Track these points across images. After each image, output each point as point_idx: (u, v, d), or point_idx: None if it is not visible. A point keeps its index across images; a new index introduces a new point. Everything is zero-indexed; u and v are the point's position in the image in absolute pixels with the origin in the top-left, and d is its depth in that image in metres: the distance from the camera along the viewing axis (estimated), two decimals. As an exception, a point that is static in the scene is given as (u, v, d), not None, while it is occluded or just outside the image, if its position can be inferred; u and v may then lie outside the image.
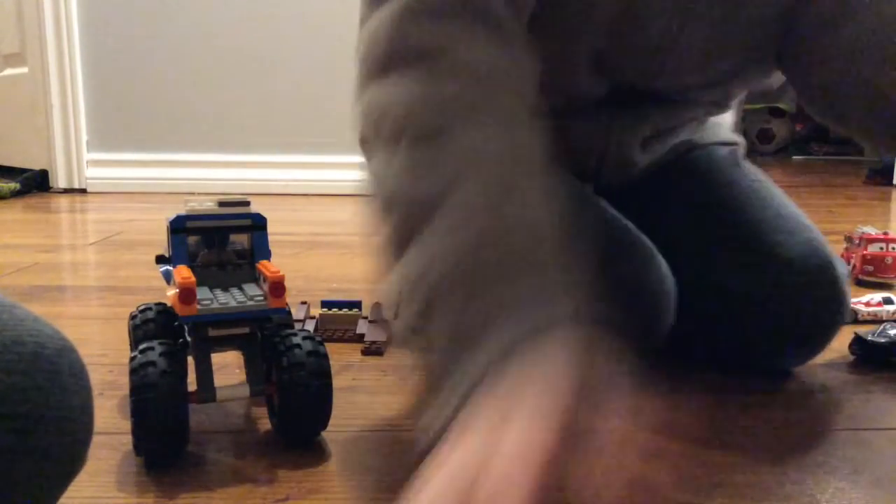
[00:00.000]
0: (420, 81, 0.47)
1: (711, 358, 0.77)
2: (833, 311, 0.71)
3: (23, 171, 2.50)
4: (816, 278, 0.71)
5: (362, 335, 0.85)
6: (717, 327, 0.76)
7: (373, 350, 0.81)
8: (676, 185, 0.83)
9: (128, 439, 0.54)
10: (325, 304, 0.89)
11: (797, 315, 0.71)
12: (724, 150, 0.87)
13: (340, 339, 0.85)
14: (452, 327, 0.41)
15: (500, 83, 0.48)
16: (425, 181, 0.44)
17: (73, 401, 0.37)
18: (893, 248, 1.15)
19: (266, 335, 0.58)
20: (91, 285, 1.19)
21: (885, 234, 1.17)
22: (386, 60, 0.49)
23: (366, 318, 0.89)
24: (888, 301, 0.94)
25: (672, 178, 0.84)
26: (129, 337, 0.65)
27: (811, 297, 0.71)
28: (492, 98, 0.47)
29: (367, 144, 0.50)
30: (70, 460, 0.38)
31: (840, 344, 0.78)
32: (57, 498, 0.39)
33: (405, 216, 0.45)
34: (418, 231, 0.43)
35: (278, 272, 0.55)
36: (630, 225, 0.77)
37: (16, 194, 2.33)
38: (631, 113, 0.78)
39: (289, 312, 0.65)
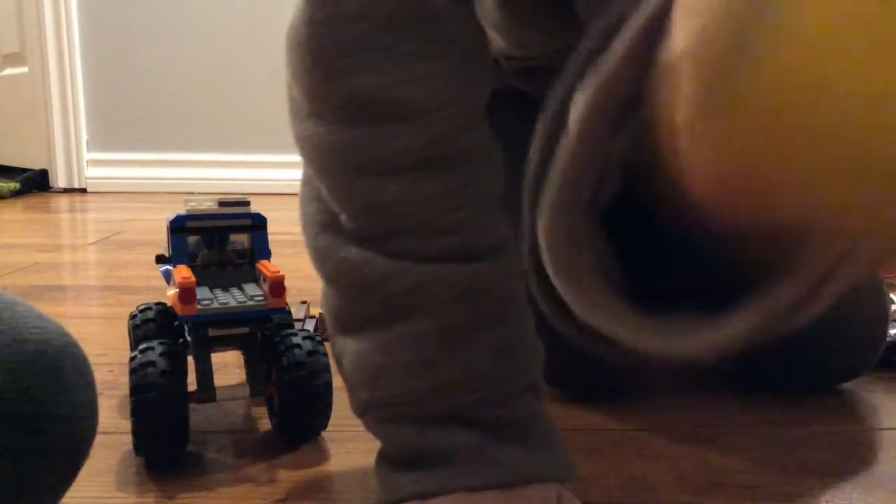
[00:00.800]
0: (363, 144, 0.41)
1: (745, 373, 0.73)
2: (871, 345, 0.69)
3: (23, 171, 2.50)
4: (864, 314, 0.68)
5: (362, 335, 0.85)
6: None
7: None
8: None
9: (128, 439, 0.54)
10: (325, 303, 0.89)
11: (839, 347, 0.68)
12: None
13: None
14: (415, 438, 0.43)
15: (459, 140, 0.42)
16: (379, 291, 0.42)
17: (78, 398, 0.37)
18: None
19: (266, 335, 0.58)
20: (91, 285, 1.19)
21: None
22: (320, 101, 0.42)
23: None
24: (889, 301, 0.93)
25: None
26: (129, 337, 0.65)
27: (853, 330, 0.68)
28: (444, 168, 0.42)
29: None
30: (75, 456, 0.38)
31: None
32: (62, 494, 0.39)
33: (366, 306, 0.43)
34: (368, 325, 0.43)
35: (278, 272, 0.55)
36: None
37: (16, 194, 2.33)
38: None
39: (289, 312, 0.65)
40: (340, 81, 0.40)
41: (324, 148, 0.42)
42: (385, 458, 0.45)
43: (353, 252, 0.42)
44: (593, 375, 0.68)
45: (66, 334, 0.38)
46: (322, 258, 0.44)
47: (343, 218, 0.43)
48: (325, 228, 0.44)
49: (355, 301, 0.43)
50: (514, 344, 0.43)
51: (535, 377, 0.45)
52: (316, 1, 0.40)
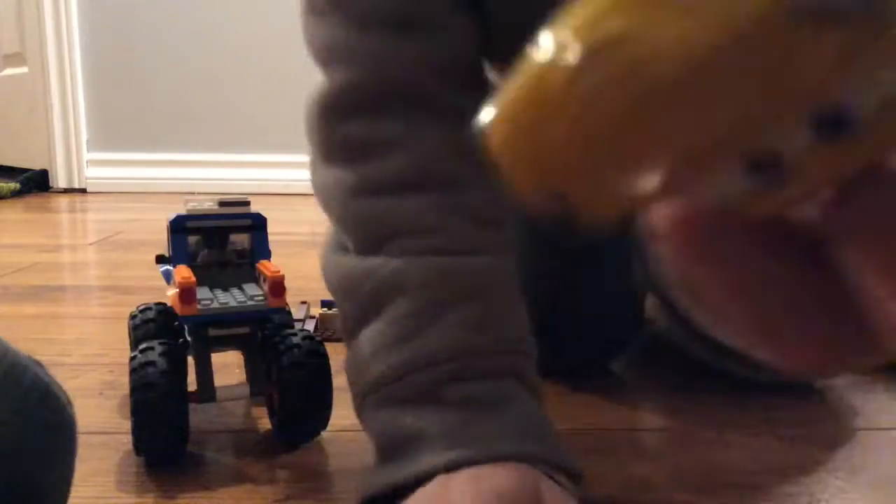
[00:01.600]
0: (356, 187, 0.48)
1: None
2: None
3: (23, 171, 2.51)
4: None
5: (362, 335, 0.85)
6: None
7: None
8: None
9: (128, 439, 0.54)
10: (324, 303, 0.89)
11: None
12: None
13: (340, 339, 0.85)
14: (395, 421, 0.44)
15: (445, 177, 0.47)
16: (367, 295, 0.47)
17: (45, 479, 0.34)
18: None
19: (266, 335, 0.58)
20: (91, 285, 1.19)
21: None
22: (326, 152, 0.50)
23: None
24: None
25: None
26: (129, 337, 0.65)
27: None
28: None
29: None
30: None
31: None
32: None
33: (356, 307, 0.48)
34: (364, 324, 0.47)
35: (278, 272, 0.55)
36: None
37: (16, 194, 2.33)
38: None
39: (289, 312, 0.65)
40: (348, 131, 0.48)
41: (328, 184, 0.50)
42: (375, 457, 0.45)
43: (348, 260, 0.48)
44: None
45: (30, 394, 0.33)
46: (326, 271, 0.51)
47: (345, 239, 0.49)
48: (334, 251, 0.50)
49: (346, 300, 0.48)
50: (489, 321, 0.45)
51: (520, 365, 0.46)
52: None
